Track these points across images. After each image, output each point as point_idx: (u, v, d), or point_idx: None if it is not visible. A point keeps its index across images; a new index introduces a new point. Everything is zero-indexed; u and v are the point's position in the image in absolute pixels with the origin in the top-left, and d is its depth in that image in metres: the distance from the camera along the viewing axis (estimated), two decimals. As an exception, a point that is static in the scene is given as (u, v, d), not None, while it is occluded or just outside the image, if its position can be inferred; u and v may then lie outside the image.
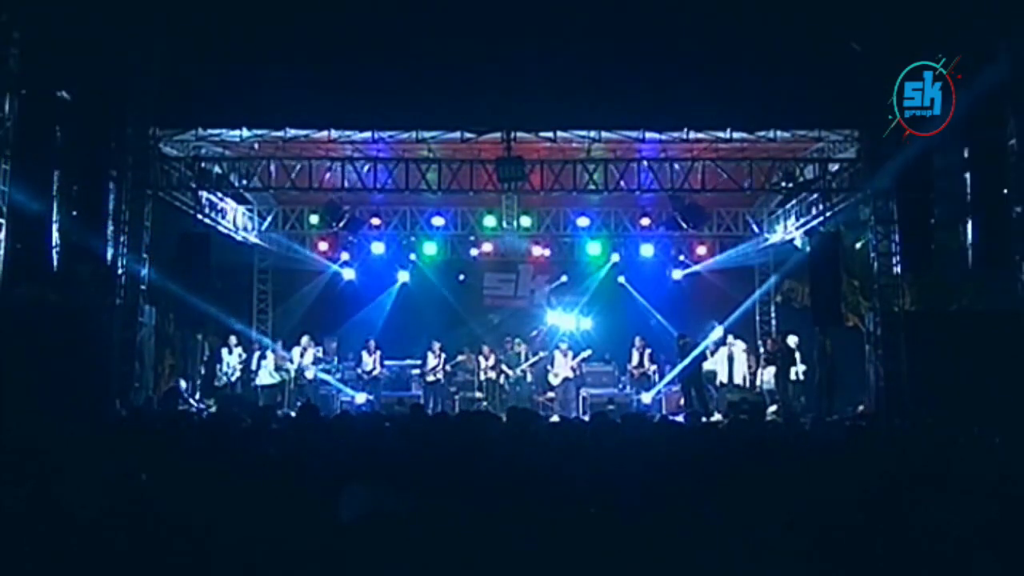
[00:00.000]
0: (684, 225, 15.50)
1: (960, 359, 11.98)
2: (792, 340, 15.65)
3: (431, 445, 6.19)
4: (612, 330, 17.99)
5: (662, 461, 5.62)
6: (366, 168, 14.29)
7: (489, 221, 16.53)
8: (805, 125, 13.63)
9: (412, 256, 18.23)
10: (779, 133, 13.67)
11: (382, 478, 4.38)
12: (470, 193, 14.84)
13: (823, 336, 14.74)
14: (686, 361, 15.10)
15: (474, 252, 18.37)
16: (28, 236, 11.62)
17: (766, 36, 12.01)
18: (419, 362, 16.88)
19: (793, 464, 5.62)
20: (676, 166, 14.30)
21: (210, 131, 13.88)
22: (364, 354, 16.56)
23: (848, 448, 6.87)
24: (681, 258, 18.42)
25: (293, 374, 16.34)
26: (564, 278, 18.87)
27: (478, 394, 16.46)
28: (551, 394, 16.42)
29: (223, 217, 16.14)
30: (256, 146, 14.41)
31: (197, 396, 16.35)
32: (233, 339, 16.29)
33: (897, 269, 13.17)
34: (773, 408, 14.59)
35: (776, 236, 17.04)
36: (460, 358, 16.94)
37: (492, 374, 16.44)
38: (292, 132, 13.67)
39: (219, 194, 15.53)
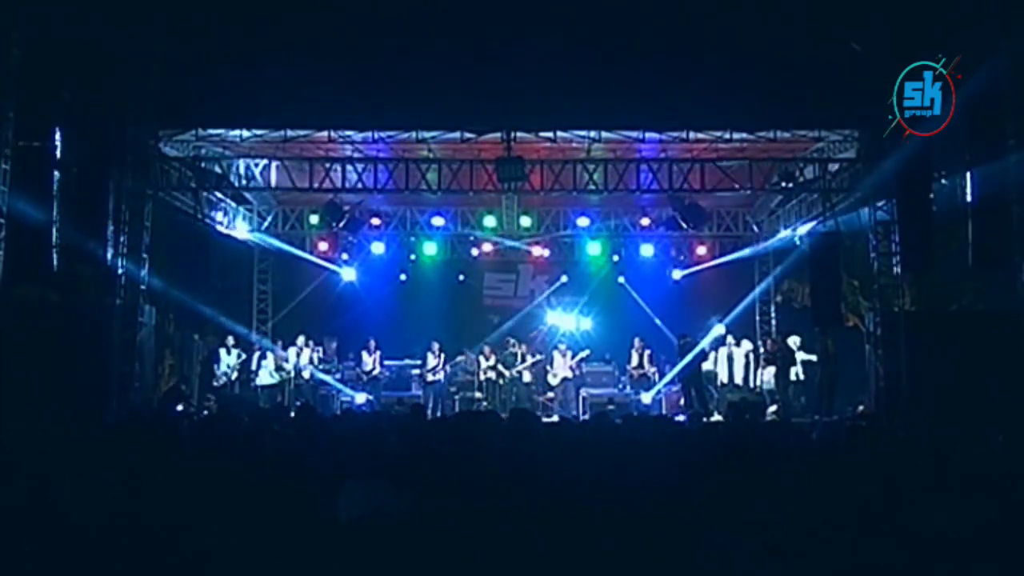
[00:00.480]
0: (684, 225, 15.49)
1: (960, 359, 11.93)
2: (792, 340, 15.64)
3: (431, 444, 6.18)
4: (612, 330, 17.98)
5: (662, 461, 5.61)
6: (366, 168, 14.30)
7: (489, 221, 16.53)
8: (805, 125, 13.65)
9: (412, 256, 18.23)
10: (779, 133, 13.70)
11: (382, 478, 4.37)
12: (470, 193, 14.85)
13: (825, 336, 14.74)
14: (686, 360, 15.10)
15: (474, 252, 18.38)
16: (28, 236, 11.59)
17: (766, 36, 11.98)
18: (419, 362, 16.90)
19: (793, 464, 5.61)
20: (676, 166, 14.29)
21: (210, 131, 13.90)
22: (364, 354, 16.58)
23: (848, 448, 6.86)
24: (681, 258, 18.42)
25: (292, 374, 16.34)
26: (564, 278, 18.88)
27: (478, 394, 16.45)
28: (551, 394, 16.44)
29: (223, 217, 16.12)
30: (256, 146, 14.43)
31: (196, 397, 16.34)
32: (231, 339, 16.28)
33: (897, 269, 13.14)
34: (773, 408, 14.59)
35: (776, 236, 17.02)
36: (460, 358, 16.95)
37: (492, 374, 16.43)
38: (292, 132, 13.67)
39: (219, 194, 15.53)
